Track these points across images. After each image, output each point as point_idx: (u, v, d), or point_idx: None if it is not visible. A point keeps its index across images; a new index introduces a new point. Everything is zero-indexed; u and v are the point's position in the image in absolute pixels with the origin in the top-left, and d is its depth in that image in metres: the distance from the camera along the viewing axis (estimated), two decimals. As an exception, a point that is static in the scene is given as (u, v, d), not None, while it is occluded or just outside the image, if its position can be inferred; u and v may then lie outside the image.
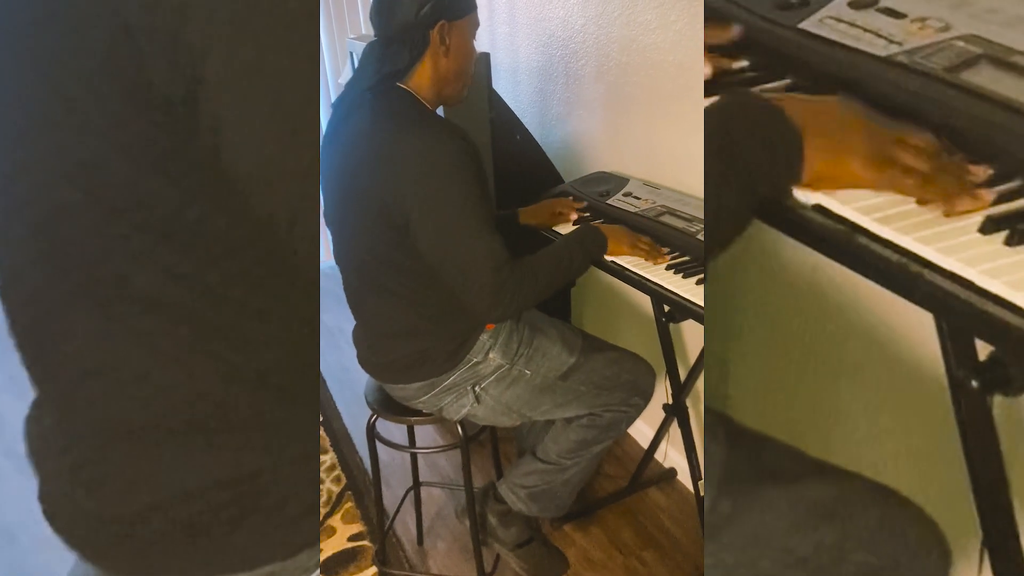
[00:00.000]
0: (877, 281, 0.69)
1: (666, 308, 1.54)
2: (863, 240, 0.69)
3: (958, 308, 0.63)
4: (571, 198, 1.61)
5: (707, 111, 0.71)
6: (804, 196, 0.73)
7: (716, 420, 0.78)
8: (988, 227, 0.66)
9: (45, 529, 0.61)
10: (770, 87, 0.86)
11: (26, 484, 0.64)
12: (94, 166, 0.49)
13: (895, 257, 0.67)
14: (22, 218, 0.53)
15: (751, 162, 0.68)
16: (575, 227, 1.48)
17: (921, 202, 0.69)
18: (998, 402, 0.70)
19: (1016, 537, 0.82)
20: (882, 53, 0.81)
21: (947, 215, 0.68)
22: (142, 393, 0.55)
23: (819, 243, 0.72)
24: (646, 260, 1.31)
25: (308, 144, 0.48)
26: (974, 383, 0.67)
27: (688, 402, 1.66)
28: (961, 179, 0.69)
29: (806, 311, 1.16)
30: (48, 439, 0.61)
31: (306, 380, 0.59)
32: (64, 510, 0.60)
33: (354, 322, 1.40)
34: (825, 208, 0.71)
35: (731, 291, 1.15)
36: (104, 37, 0.45)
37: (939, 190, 0.69)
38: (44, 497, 0.62)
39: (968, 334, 0.67)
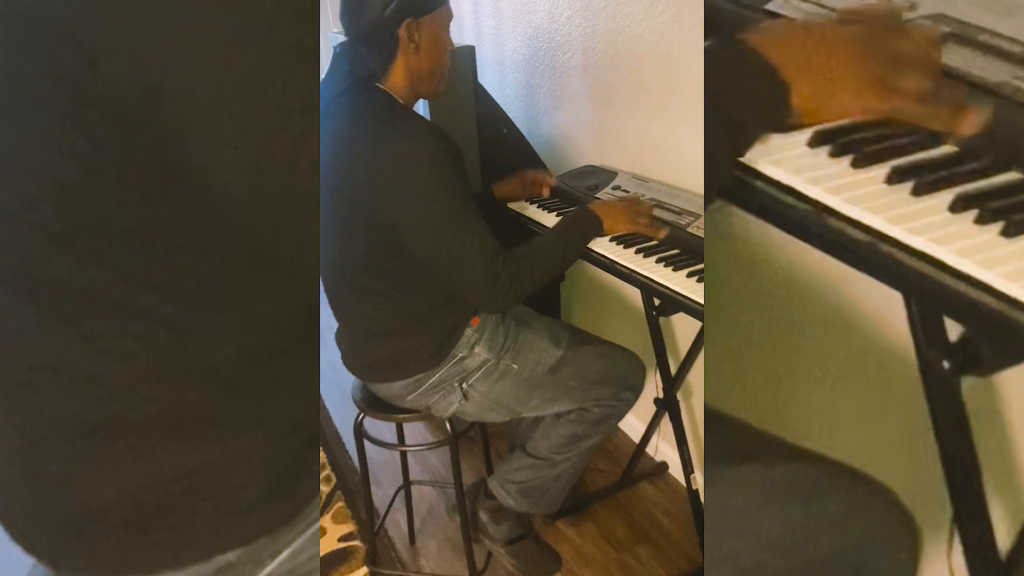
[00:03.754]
0: (847, 262, 0.68)
1: (656, 302, 1.53)
2: (832, 221, 0.68)
3: (928, 288, 0.63)
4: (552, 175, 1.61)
5: (706, 56, 0.70)
6: (774, 174, 0.72)
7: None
8: (958, 206, 0.66)
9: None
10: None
11: None
12: (40, 168, 0.48)
13: (865, 237, 0.66)
14: None
15: (736, 114, 0.66)
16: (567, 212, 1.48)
17: (922, 123, 0.68)
18: (968, 381, 0.70)
19: (986, 514, 0.82)
20: None
21: (954, 132, 0.67)
22: (89, 392, 0.54)
23: (788, 224, 0.72)
24: (647, 233, 1.31)
25: (296, 149, 0.46)
26: (945, 364, 0.66)
27: (679, 396, 1.65)
28: (960, 96, 0.68)
29: (780, 294, 1.16)
30: None
31: (268, 369, 0.58)
32: (15, 511, 0.59)
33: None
34: (794, 189, 0.71)
35: (717, 275, 1.15)
36: (50, 44, 0.44)
37: (941, 112, 0.67)
38: None
39: (938, 314, 0.67)
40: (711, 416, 0.78)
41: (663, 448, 1.92)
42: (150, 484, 0.56)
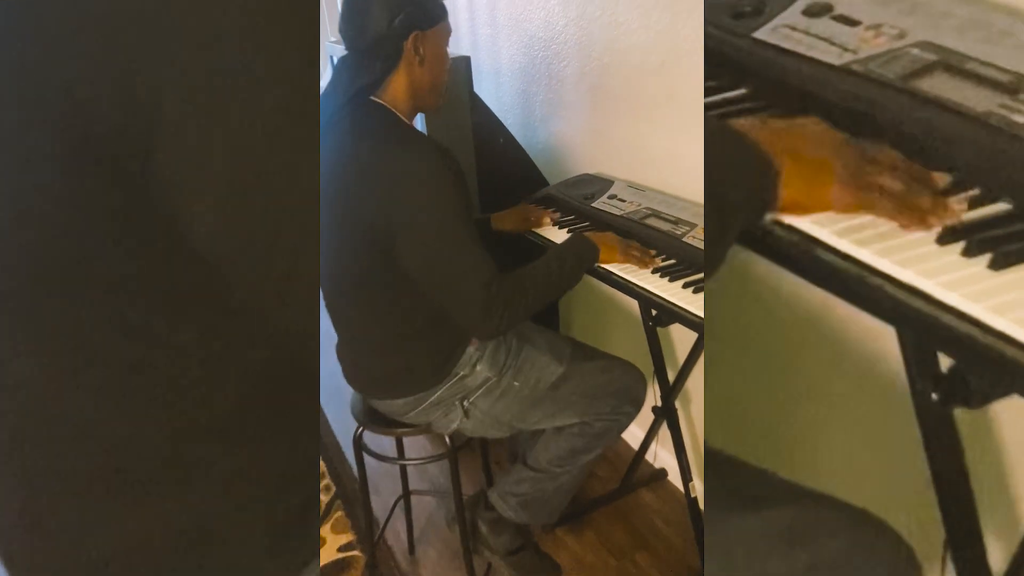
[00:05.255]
0: (838, 294, 0.69)
1: (653, 312, 1.54)
2: (822, 253, 0.69)
3: (917, 320, 0.63)
4: (552, 210, 1.60)
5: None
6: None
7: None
8: (946, 238, 0.66)
9: None
10: (732, 96, 0.85)
11: None
12: (39, 218, 0.47)
13: (854, 270, 0.67)
14: None
15: (725, 193, 0.67)
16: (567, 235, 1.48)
17: (901, 224, 0.69)
18: (961, 409, 0.70)
19: (980, 542, 0.82)
20: (836, 62, 0.80)
21: (928, 229, 0.68)
22: (90, 444, 0.54)
23: (780, 257, 0.72)
24: (637, 266, 1.31)
25: (281, 209, 0.46)
26: (934, 396, 0.67)
27: (677, 404, 1.65)
28: (934, 194, 0.69)
29: (774, 328, 1.17)
30: (5, 493, 0.60)
31: (265, 420, 0.58)
32: (22, 563, 0.59)
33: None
34: (784, 222, 0.71)
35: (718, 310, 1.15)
36: (47, 92, 0.44)
37: (915, 208, 0.69)
38: (4, 548, 0.60)
39: (929, 346, 0.67)
40: (712, 457, 0.78)
41: (662, 455, 1.93)
42: (153, 537, 0.56)
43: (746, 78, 0.86)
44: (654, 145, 1.65)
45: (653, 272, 1.29)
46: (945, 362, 0.67)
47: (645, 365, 1.53)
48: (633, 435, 2.00)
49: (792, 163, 0.68)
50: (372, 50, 1.16)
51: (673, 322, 1.46)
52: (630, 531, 1.76)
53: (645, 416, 1.69)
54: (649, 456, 1.93)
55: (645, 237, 1.39)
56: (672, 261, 1.32)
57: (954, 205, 0.68)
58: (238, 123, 0.44)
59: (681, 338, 1.74)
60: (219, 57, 0.42)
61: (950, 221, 0.67)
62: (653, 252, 1.34)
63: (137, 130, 0.43)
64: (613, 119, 1.77)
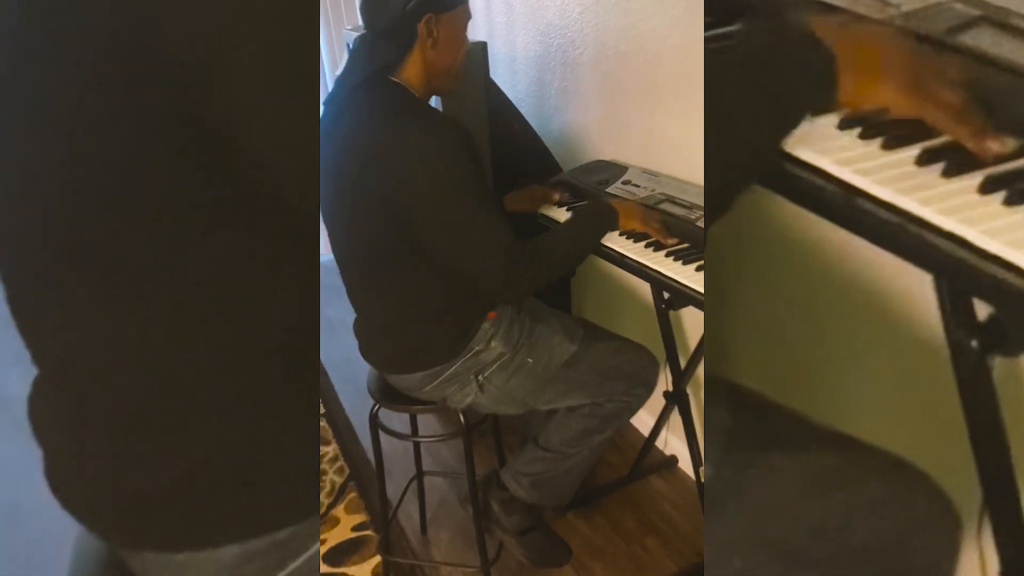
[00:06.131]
0: (876, 243, 0.69)
1: (666, 295, 1.55)
2: (861, 202, 0.69)
3: (957, 268, 0.64)
4: (562, 190, 1.62)
5: (739, 37, 0.70)
6: (805, 155, 0.73)
7: (719, 385, 0.78)
8: (987, 187, 0.66)
9: (50, 503, 0.62)
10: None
11: (31, 459, 0.65)
12: (98, 142, 0.49)
13: (894, 219, 0.67)
14: (24, 197, 0.53)
15: (783, 87, 0.67)
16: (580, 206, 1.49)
17: (957, 137, 0.69)
18: (997, 361, 0.70)
19: (1015, 494, 0.82)
20: (879, 16, 0.80)
21: (974, 152, 0.68)
22: (143, 371, 0.55)
23: (818, 206, 0.72)
24: (656, 236, 1.32)
25: (314, 122, 0.49)
26: (973, 343, 0.67)
27: (689, 389, 1.66)
28: (986, 121, 0.69)
29: (808, 276, 1.16)
30: (51, 416, 0.62)
31: (307, 355, 0.60)
32: (71, 485, 0.61)
33: (355, 314, 1.40)
34: (824, 171, 0.71)
35: (731, 256, 1.15)
36: (112, 16, 0.45)
37: (969, 127, 0.68)
38: (50, 472, 0.62)
39: (967, 295, 0.68)
40: (739, 398, 0.78)
41: (672, 441, 1.94)
42: (206, 460, 0.57)
43: None
44: (669, 131, 1.66)
45: (667, 255, 1.30)
46: (981, 312, 0.68)
47: (656, 350, 1.53)
48: (644, 422, 2.00)
49: (854, 59, 0.68)
50: (388, 31, 1.19)
51: (685, 305, 1.47)
52: (639, 516, 1.77)
53: (655, 402, 1.70)
54: (659, 443, 1.94)
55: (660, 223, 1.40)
56: (686, 245, 1.33)
57: (1005, 139, 0.68)
58: (285, 53, 0.46)
59: (692, 324, 1.74)
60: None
61: (1000, 150, 0.67)
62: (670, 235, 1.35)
63: (197, 59, 0.45)
64: (628, 106, 1.78)
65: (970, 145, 0.68)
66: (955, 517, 0.74)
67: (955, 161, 0.69)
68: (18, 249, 0.56)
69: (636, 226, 1.33)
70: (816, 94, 0.70)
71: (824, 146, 0.73)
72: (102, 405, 0.57)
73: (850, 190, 0.70)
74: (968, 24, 0.76)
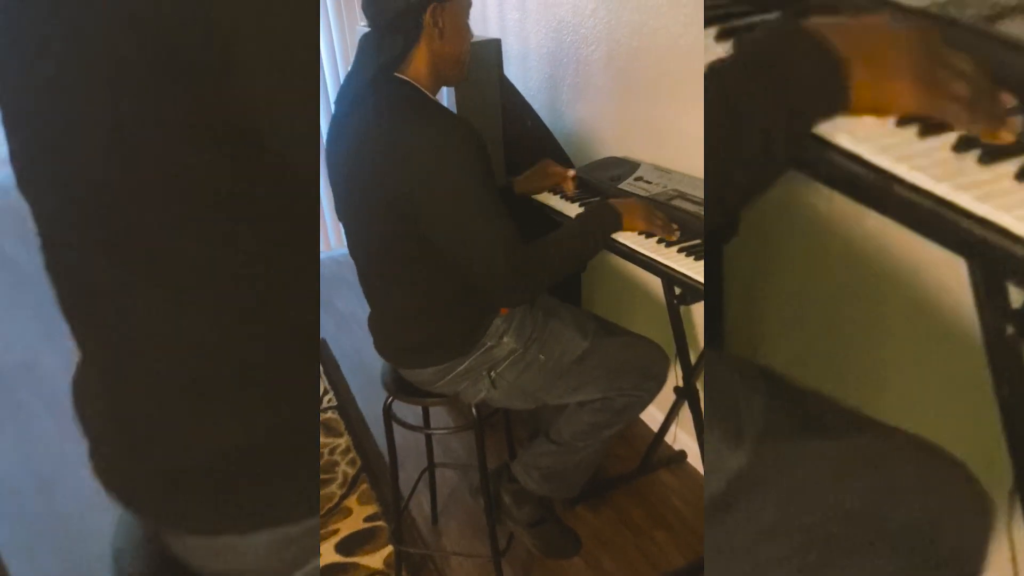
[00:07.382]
0: (912, 228, 0.70)
1: (677, 291, 1.55)
2: (898, 188, 0.70)
3: (992, 254, 0.64)
4: (572, 171, 1.61)
5: (746, 41, 0.71)
6: (842, 142, 0.73)
7: (754, 371, 0.77)
8: (1023, 175, 0.67)
9: (82, 479, 0.63)
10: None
11: (64, 436, 0.66)
12: (127, 134, 0.51)
13: (929, 204, 0.68)
14: (59, 185, 0.55)
15: (792, 94, 0.67)
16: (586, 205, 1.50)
17: (970, 130, 0.70)
18: None
19: None
20: (915, 3, 0.81)
21: (984, 138, 0.69)
22: (181, 351, 0.57)
23: (854, 191, 0.73)
24: (661, 234, 1.32)
25: (315, 109, 0.51)
26: (1009, 329, 0.67)
27: (699, 385, 1.67)
28: (998, 106, 0.69)
29: (841, 261, 1.16)
30: (96, 401, 0.64)
31: (309, 340, 0.62)
32: (116, 467, 0.63)
33: (368, 309, 1.42)
34: (860, 157, 0.72)
35: (763, 240, 1.14)
36: (129, 7, 0.47)
37: (980, 116, 0.69)
38: (95, 456, 0.64)
39: (1001, 280, 0.68)
40: (775, 383, 0.77)
41: (681, 437, 1.95)
42: (243, 442, 0.58)
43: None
44: (681, 128, 1.66)
45: (679, 251, 1.31)
46: (1016, 299, 0.68)
47: (666, 345, 1.54)
48: (653, 417, 2.02)
49: (863, 61, 0.68)
50: (393, 26, 1.18)
51: (697, 300, 1.49)
52: (648, 510, 1.79)
53: (665, 397, 1.71)
54: (668, 438, 1.95)
55: (672, 218, 1.40)
56: (698, 240, 1.33)
57: (1015, 121, 0.69)
58: (298, 40, 0.48)
59: (703, 319, 1.75)
60: None
61: (1010, 137, 0.68)
62: (675, 226, 1.35)
63: (216, 47, 0.47)
64: (640, 102, 1.79)
65: (985, 138, 0.69)
66: (988, 502, 0.74)
67: (991, 148, 0.70)
68: (68, 245, 0.58)
69: (640, 226, 1.33)
70: (824, 100, 0.69)
71: (861, 133, 0.73)
72: (145, 389, 0.59)
73: (887, 176, 0.70)
74: (1004, 12, 0.76)
